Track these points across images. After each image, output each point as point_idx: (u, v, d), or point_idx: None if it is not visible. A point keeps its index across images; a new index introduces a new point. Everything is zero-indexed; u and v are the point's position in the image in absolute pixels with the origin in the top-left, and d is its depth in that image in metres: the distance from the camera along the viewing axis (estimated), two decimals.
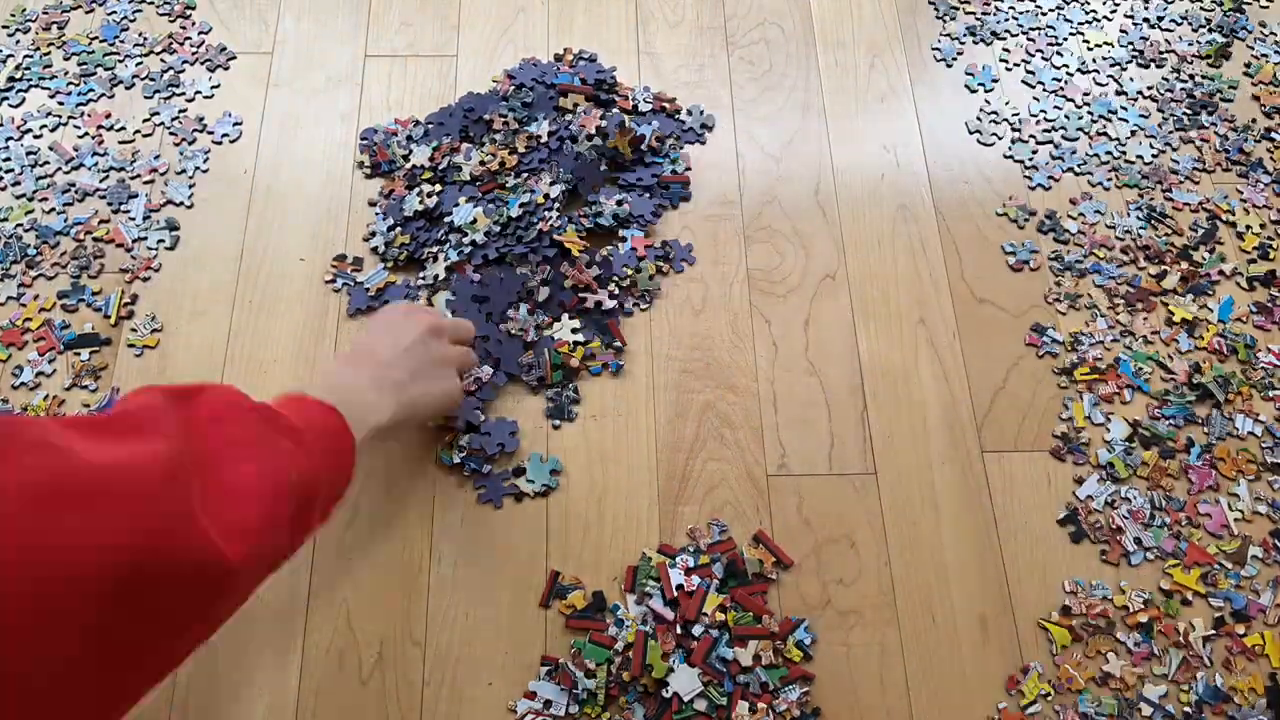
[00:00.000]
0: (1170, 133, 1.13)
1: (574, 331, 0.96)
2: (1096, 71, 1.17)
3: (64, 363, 0.95)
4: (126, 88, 1.11)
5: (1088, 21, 1.21)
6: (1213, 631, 0.86)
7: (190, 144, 1.08)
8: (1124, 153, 1.11)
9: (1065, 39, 1.19)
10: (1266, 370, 0.99)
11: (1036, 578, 0.89)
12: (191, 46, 1.14)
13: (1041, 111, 1.14)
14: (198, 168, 1.06)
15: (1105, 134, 1.13)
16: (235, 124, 1.09)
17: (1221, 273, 1.04)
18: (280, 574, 0.86)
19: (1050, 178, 1.09)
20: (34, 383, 0.94)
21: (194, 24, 1.16)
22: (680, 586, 0.85)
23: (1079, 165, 1.10)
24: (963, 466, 0.94)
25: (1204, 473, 0.93)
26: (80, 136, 1.07)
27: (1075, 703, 0.83)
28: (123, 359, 0.96)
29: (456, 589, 0.87)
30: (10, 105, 1.09)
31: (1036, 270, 1.04)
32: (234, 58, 1.14)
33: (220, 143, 1.08)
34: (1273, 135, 1.13)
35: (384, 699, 0.82)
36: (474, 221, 0.97)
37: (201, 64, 1.12)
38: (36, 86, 1.10)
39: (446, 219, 1.00)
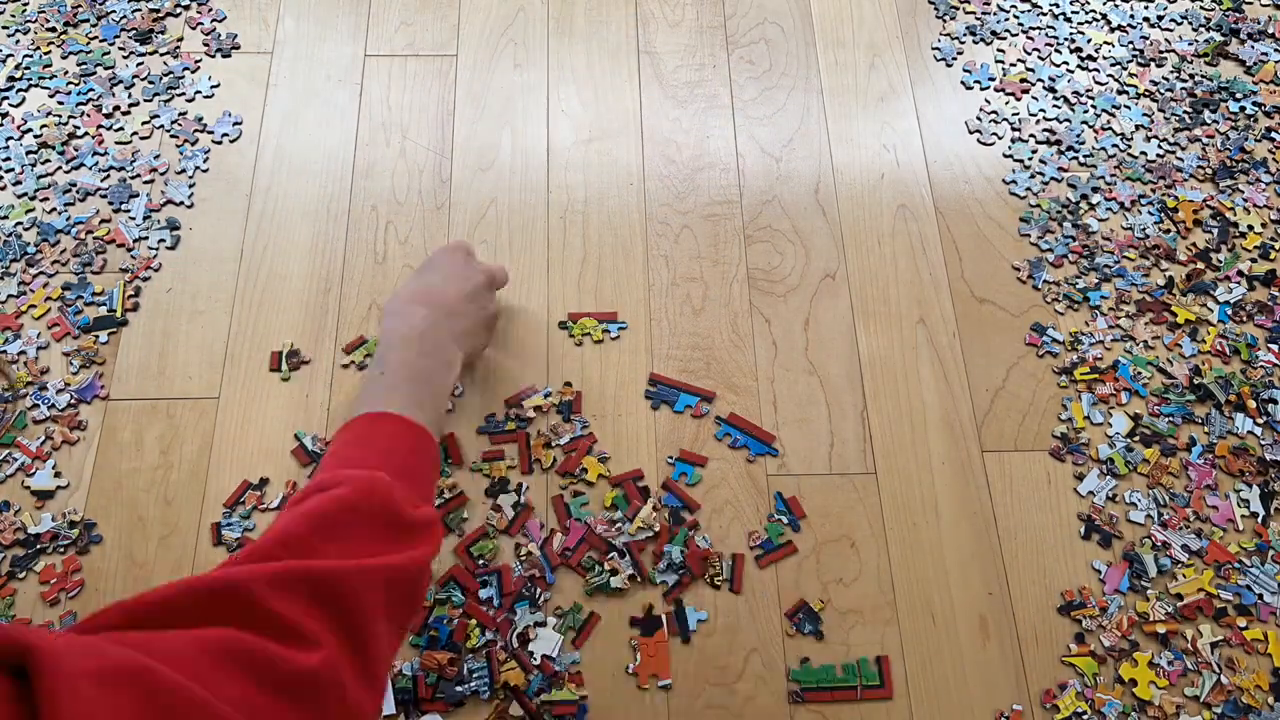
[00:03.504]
0: (1174, 131, 1.13)
1: None
2: (1097, 70, 1.17)
3: (57, 354, 0.95)
4: (126, 87, 1.11)
5: (1088, 21, 1.21)
6: (1219, 639, 0.86)
7: (191, 144, 1.08)
8: (1129, 147, 1.12)
9: (1065, 38, 1.19)
10: (1266, 369, 0.98)
11: (1036, 578, 0.89)
12: (204, 31, 1.15)
13: (1041, 111, 1.14)
14: (198, 167, 1.06)
15: (1110, 129, 1.13)
16: (235, 124, 1.09)
17: (1241, 273, 1.04)
18: None
19: (1053, 177, 1.09)
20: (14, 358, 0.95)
21: (208, 9, 1.16)
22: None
23: (1084, 156, 1.10)
24: (963, 466, 0.93)
25: (1204, 471, 0.93)
26: (80, 136, 1.08)
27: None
28: (122, 356, 0.96)
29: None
30: (11, 105, 1.09)
31: (1059, 267, 1.04)
32: (238, 46, 1.14)
33: (220, 143, 1.08)
34: (1273, 135, 1.13)
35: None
36: None
37: (212, 54, 1.13)
38: (36, 86, 1.10)
39: None
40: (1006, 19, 1.21)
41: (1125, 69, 1.17)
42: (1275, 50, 1.19)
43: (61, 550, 0.87)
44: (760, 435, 0.93)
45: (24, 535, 0.87)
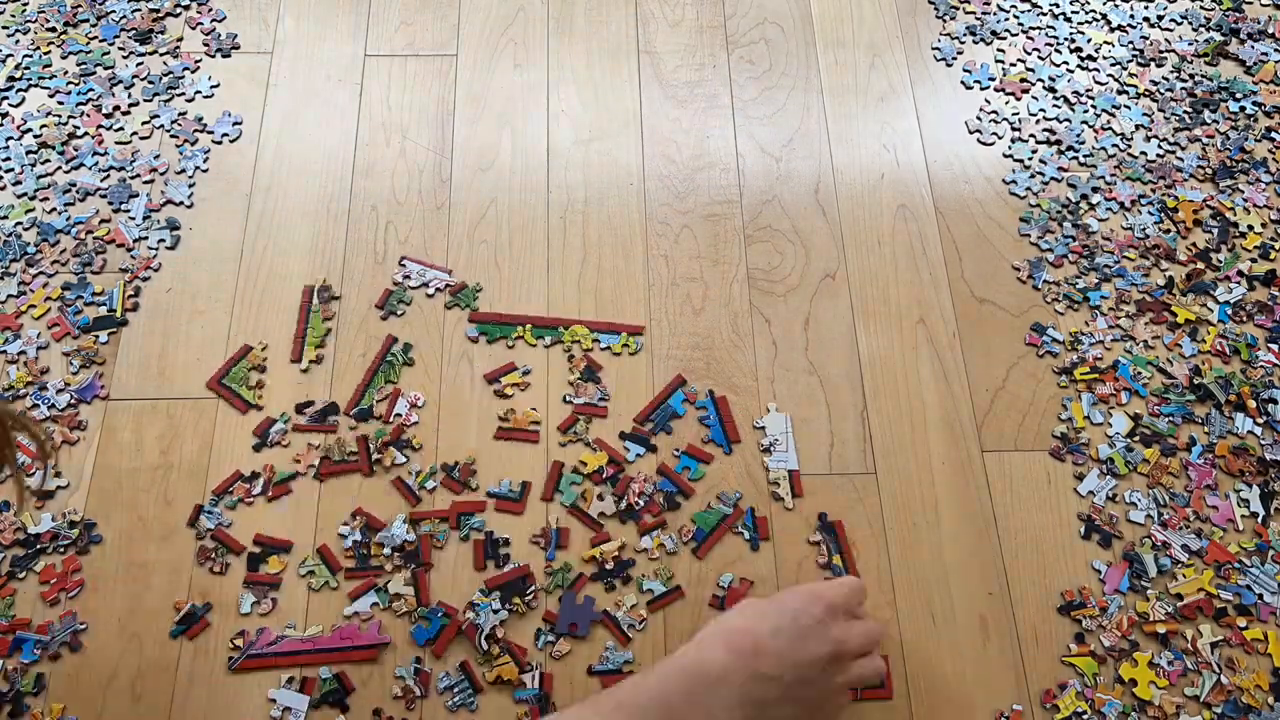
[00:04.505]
0: (1175, 131, 1.13)
1: None
2: (1097, 70, 1.17)
3: (57, 354, 0.95)
4: (126, 87, 1.11)
5: (1088, 21, 1.21)
6: (1219, 639, 0.85)
7: (191, 144, 1.08)
8: (1129, 147, 1.12)
9: (1065, 38, 1.19)
10: (1266, 369, 0.98)
11: (1036, 578, 0.88)
12: (204, 31, 1.15)
13: (1041, 111, 1.14)
14: (198, 167, 1.06)
15: (1110, 129, 1.13)
16: (235, 124, 1.09)
17: (1241, 273, 1.04)
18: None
19: (1053, 177, 1.09)
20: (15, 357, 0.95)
21: (208, 9, 1.17)
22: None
23: (1084, 156, 1.10)
24: (963, 466, 0.93)
25: (1204, 471, 0.93)
26: (80, 136, 1.08)
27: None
28: (122, 356, 0.96)
29: (459, 583, 0.87)
30: (10, 105, 1.09)
31: (1059, 267, 1.04)
32: (238, 46, 1.14)
33: (220, 143, 1.08)
34: (1273, 134, 1.13)
35: (385, 697, 0.82)
36: None
37: (212, 53, 1.13)
38: (36, 86, 1.10)
39: None
40: (1006, 19, 1.21)
41: (1125, 69, 1.17)
42: (1275, 50, 1.19)
43: (61, 550, 0.87)
44: (729, 429, 0.94)
45: (24, 535, 0.87)
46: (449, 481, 0.90)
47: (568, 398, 0.95)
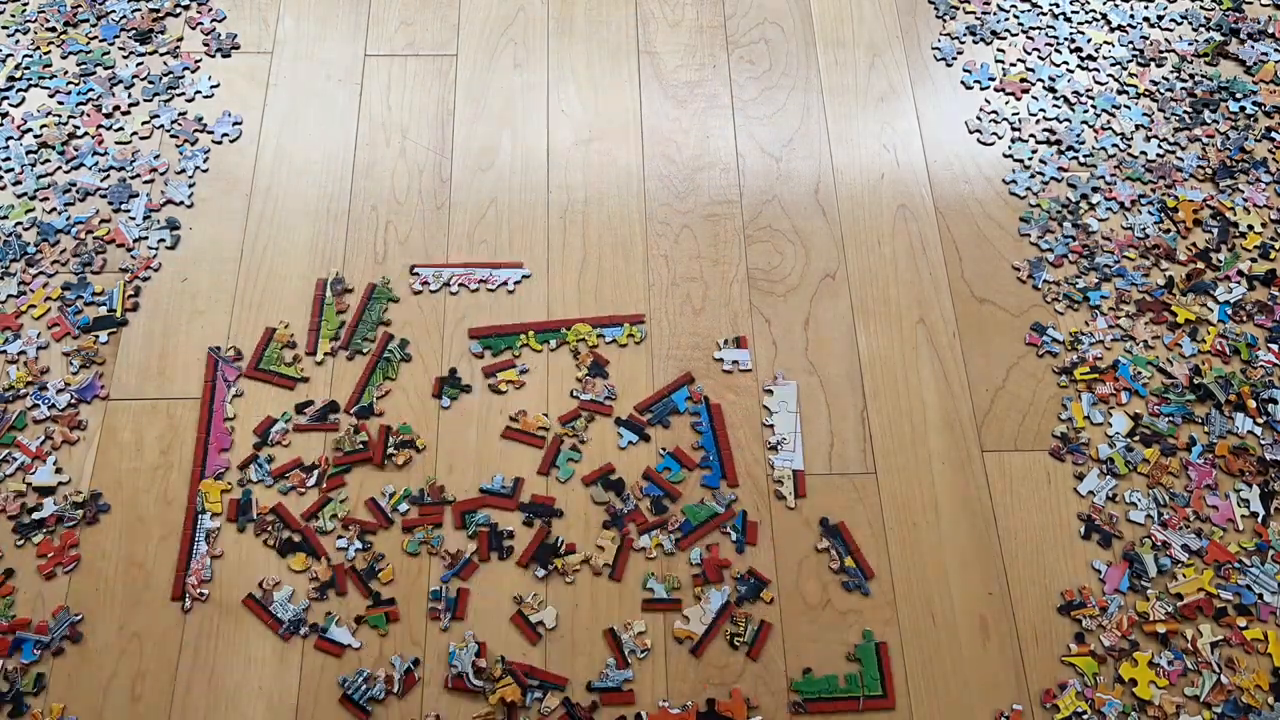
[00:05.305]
0: (1174, 131, 1.13)
1: None
2: (1097, 70, 1.17)
3: (57, 354, 0.95)
4: (126, 87, 1.11)
5: (1088, 21, 1.21)
6: (1219, 639, 0.86)
7: (191, 144, 1.08)
8: (1129, 147, 1.12)
9: (1065, 38, 1.19)
10: (1266, 369, 0.98)
11: (1036, 578, 0.88)
12: (204, 31, 1.15)
13: (1041, 111, 1.14)
14: (198, 167, 1.06)
15: (1110, 129, 1.13)
16: (235, 124, 1.09)
17: (1241, 273, 1.04)
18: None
19: (1053, 177, 1.09)
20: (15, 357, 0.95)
21: (208, 9, 1.17)
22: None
23: (1084, 156, 1.10)
24: (963, 466, 0.93)
25: (1204, 471, 0.93)
26: (80, 136, 1.08)
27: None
28: (122, 356, 0.96)
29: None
30: (11, 105, 1.09)
31: (1059, 267, 1.04)
32: (237, 46, 1.14)
33: (220, 142, 1.08)
34: (1273, 134, 1.13)
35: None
36: None
37: (212, 53, 1.13)
38: (36, 86, 1.10)
39: None
40: (1006, 19, 1.21)
41: (1125, 69, 1.17)
42: (1275, 50, 1.19)
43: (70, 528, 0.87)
44: (727, 467, 0.92)
45: (27, 519, 0.87)
46: (422, 505, 0.90)
47: (575, 393, 0.95)
